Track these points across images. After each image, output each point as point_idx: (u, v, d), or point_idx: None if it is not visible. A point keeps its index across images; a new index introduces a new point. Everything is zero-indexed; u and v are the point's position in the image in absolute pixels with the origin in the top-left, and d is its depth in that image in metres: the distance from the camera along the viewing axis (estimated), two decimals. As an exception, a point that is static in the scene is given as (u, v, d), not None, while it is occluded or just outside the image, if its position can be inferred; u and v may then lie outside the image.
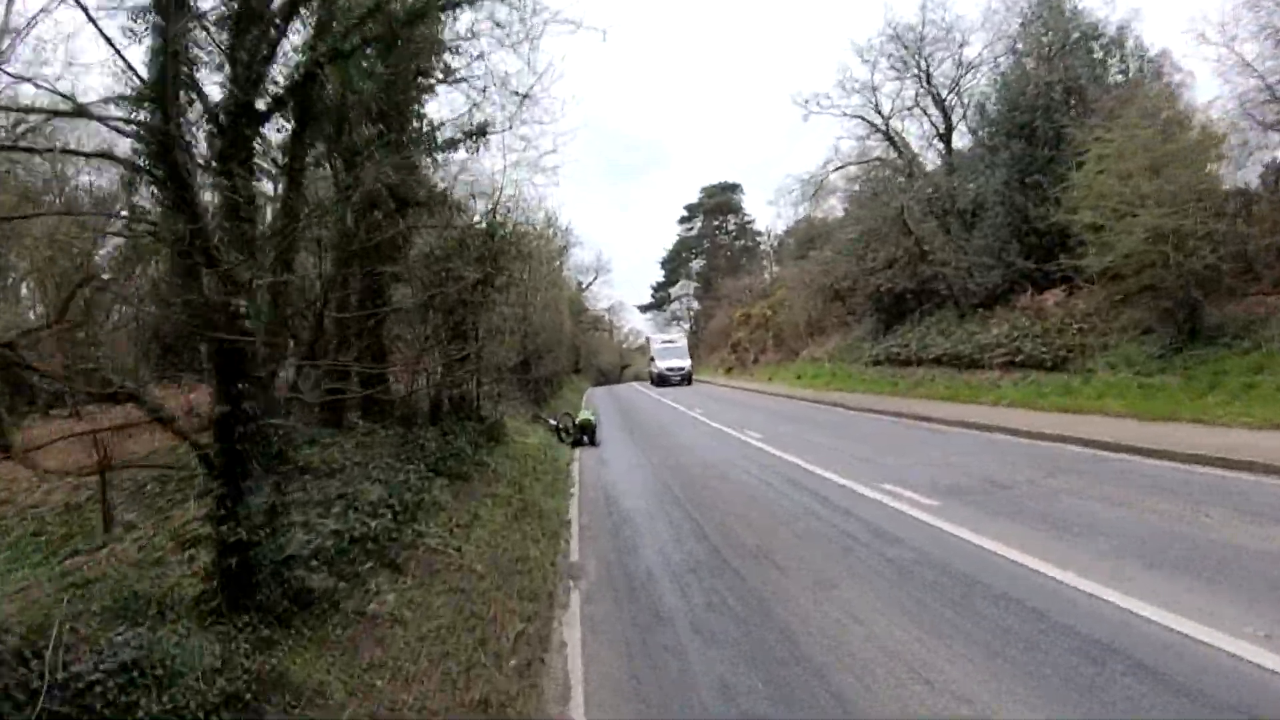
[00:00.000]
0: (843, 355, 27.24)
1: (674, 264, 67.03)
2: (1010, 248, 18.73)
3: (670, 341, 42.94)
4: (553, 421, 17.76)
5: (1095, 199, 13.82)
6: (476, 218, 12.99)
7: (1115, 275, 14.05)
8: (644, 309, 68.68)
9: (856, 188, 27.50)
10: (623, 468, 12.81)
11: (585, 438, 16.25)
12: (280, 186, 10.05)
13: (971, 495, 7.83)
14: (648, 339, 52.93)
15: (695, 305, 65.10)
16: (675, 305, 66.65)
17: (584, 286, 58.70)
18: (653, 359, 40.85)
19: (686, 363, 39.18)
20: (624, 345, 69.03)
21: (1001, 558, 5.74)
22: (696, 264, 65.82)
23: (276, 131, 9.14)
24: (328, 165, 11.86)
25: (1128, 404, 11.90)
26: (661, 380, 37.73)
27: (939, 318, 21.51)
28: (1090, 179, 14.11)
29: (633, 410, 25.98)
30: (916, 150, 25.04)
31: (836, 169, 27.30)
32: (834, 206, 33.66)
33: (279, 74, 6.82)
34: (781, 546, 6.78)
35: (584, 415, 17.19)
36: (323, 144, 10.69)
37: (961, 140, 23.63)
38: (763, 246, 63.71)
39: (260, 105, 5.36)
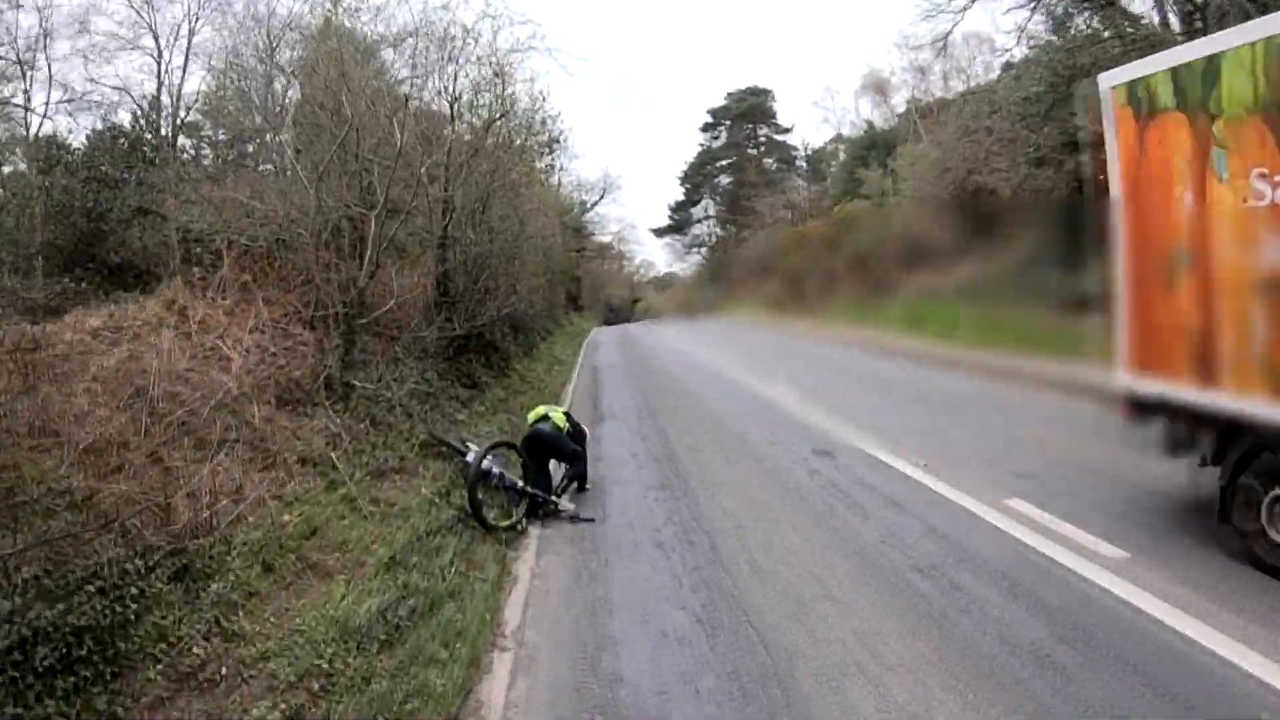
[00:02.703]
0: (985, 292, 17.90)
1: (697, 179, 56.23)
2: None
3: None
4: (469, 457, 6.82)
5: None
6: None
7: None
8: (660, 233, 58.01)
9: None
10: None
11: (552, 495, 6.67)
12: None
13: None
14: None
15: (719, 231, 55.15)
16: (699, 228, 56.37)
17: (589, 206, 48.61)
18: None
19: None
20: (636, 278, 59.24)
21: None
22: (723, 180, 55.17)
23: None
24: None
25: None
26: None
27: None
28: None
29: (669, 371, 16.91)
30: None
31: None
32: (896, 106, 23.76)
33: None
34: None
35: (540, 413, 7.22)
36: None
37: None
38: (798, 162, 53.26)
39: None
